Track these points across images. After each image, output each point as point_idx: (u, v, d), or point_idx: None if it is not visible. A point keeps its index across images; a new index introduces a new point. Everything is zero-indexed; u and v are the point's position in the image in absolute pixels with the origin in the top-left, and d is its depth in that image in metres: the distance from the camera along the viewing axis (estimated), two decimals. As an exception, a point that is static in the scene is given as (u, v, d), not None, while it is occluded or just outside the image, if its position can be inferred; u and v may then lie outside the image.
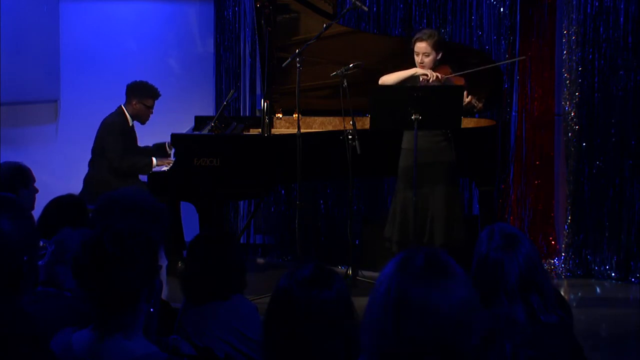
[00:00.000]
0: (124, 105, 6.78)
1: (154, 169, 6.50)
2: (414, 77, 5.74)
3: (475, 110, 5.74)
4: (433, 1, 7.11)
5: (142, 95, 6.76)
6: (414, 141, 5.44)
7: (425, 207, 5.70)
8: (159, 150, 6.93)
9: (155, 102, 6.83)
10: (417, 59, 5.74)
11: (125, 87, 6.85)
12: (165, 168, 6.41)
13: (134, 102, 6.76)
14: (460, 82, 5.75)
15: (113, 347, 2.32)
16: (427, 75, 5.66)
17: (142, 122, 6.85)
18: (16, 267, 2.26)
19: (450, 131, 5.76)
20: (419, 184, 5.62)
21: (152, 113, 6.84)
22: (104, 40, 7.69)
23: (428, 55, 5.71)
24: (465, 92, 5.69)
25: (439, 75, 5.66)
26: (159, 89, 6.82)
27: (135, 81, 6.83)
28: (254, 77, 7.56)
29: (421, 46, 5.72)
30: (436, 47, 5.73)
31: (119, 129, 6.67)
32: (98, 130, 6.75)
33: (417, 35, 5.81)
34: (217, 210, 6.12)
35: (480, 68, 5.87)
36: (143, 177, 6.62)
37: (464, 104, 5.66)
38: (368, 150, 5.84)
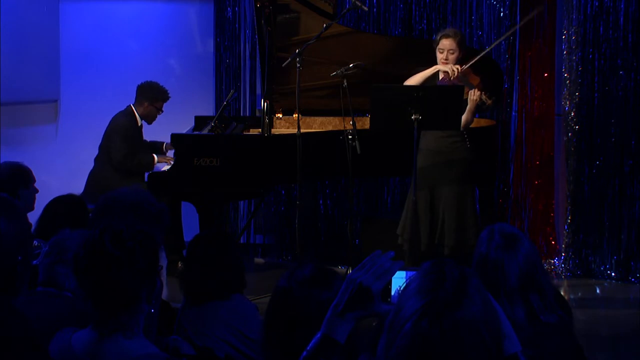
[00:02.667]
0: (133, 106, 6.78)
1: (155, 167, 6.55)
2: (436, 75, 5.70)
3: (484, 107, 5.68)
4: (433, 1, 7.11)
5: (154, 98, 6.77)
6: (414, 141, 5.43)
7: (438, 207, 5.68)
8: (154, 147, 6.94)
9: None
10: (441, 56, 5.65)
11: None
12: (165, 167, 6.42)
13: (145, 104, 6.75)
14: (476, 80, 5.71)
15: (113, 347, 2.32)
16: (448, 71, 5.61)
17: (149, 122, 6.86)
18: (11, 266, 2.27)
19: (465, 130, 5.72)
20: (433, 183, 5.62)
21: (160, 113, 6.86)
22: (104, 40, 7.69)
23: (453, 53, 5.64)
24: (478, 88, 5.65)
25: (459, 68, 5.61)
26: (168, 91, 6.85)
27: (147, 82, 6.82)
28: (254, 77, 7.56)
29: (447, 43, 5.64)
30: (461, 45, 5.69)
31: (126, 130, 6.67)
32: (107, 127, 6.75)
33: (442, 33, 5.75)
34: (217, 210, 6.12)
35: (482, 54, 5.78)
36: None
37: (475, 99, 5.59)
38: (368, 150, 5.84)
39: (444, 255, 5.83)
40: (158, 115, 6.86)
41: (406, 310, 1.57)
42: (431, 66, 5.74)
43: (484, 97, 5.63)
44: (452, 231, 5.67)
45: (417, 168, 5.70)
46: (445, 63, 5.64)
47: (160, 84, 6.84)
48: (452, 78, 5.57)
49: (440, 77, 5.69)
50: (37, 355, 2.22)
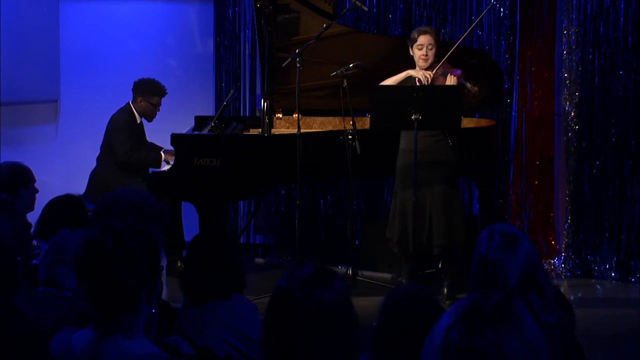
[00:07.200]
0: (131, 103, 6.79)
1: (162, 164, 6.55)
2: (411, 78, 5.72)
3: (470, 94, 5.66)
4: (433, 1, 7.11)
5: (147, 92, 6.77)
6: (414, 141, 5.43)
7: (424, 208, 5.69)
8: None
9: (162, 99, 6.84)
10: (420, 52, 5.69)
11: (126, 87, 6.85)
12: (166, 167, 6.42)
13: (139, 100, 6.77)
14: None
15: (113, 347, 2.32)
16: (422, 78, 5.63)
17: (149, 120, 6.85)
18: (11, 266, 2.27)
19: (447, 130, 5.73)
20: (418, 183, 5.62)
21: (159, 110, 6.84)
22: (104, 40, 7.69)
23: (432, 48, 5.67)
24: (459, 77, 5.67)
25: (430, 74, 5.63)
26: (165, 87, 6.83)
27: (142, 79, 6.82)
28: (254, 77, 7.56)
29: (425, 39, 5.67)
30: (439, 40, 5.72)
31: (125, 125, 6.68)
32: (106, 126, 6.76)
33: (419, 29, 5.78)
34: (217, 210, 6.12)
35: (455, 46, 5.73)
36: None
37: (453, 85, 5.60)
38: (368, 150, 5.84)
39: (434, 256, 5.86)
40: (157, 112, 6.84)
41: None
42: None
43: (468, 85, 5.63)
44: (441, 231, 5.68)
45: (402, 168, 5.72)
46: (425, 59, 5.67)
47: (157, 80, 6.82)
48: (425, 84, 5.59)
49: (417, 82, 5.70)
50: (39, 355, 2.23)
